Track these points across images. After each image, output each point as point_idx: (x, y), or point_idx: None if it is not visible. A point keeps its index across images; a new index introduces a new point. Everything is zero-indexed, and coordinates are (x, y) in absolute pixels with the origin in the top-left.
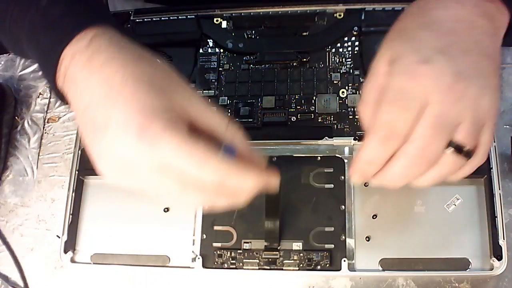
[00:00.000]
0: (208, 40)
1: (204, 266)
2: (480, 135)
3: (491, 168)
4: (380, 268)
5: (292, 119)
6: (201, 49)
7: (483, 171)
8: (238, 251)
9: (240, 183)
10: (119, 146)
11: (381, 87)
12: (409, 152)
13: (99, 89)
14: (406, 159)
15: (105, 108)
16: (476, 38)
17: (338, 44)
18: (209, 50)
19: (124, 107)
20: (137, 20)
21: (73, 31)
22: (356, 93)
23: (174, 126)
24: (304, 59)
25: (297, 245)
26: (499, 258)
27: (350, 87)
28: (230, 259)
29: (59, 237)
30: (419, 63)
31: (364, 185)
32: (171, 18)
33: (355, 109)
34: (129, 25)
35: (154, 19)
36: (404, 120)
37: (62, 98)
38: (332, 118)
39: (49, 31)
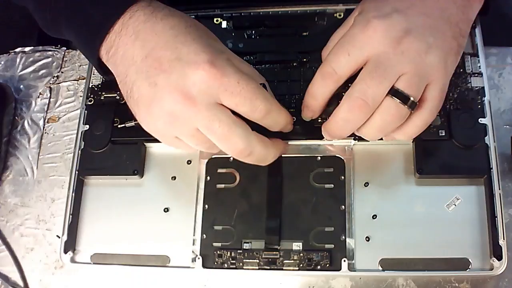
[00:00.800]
0: None
1: (204, 266)
2: (427, 91)
3: (491, 168)
4: (380, 268)
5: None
6: None
7: (483, 171)
8: (238, 251)
9: (277, 118)
10: (188, 79)
11: (342, 35)
12: (352, 94)
13: (168, 32)
14: (349, 101)
15: (175, 46)
16: (442, 6)
17: None
18: None
19: (194, 45)
20: None
21: None
22: None
23: (231, 64)
24: (304, 59)
25: (297, 245)
26: (499, 258)
27: (350, 87)
28: (230, 259)
29: (59, 237)
30: (375, 17)
31: (364, 185)
32: None
33: None
34: None
35: None
36: (345, 62)
37: (102, 67)
38: None
39: (104, 1)
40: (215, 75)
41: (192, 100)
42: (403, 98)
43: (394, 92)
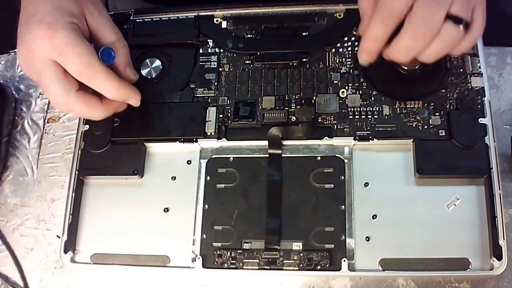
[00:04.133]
0: (208, 40)
1: (204, 266)
2: (474, 13)
3: (491, 168)
4: (380, 268)
5: (292, 119)
6: (201, 49)
7: (483, 171)
8: (238, 251)
9: (103, 87)
10: (32, 35)
11: None
12: (414, 23)
13: None
14: (412, 30)
15: (38, 3)
16: None
17: (338, 44)
18: (209, 50)
19: (47, 6)
20: (137, 20)
21: None
22: (356, 93)
23: (71, 27)
24: (304, 59)
25: (297, 245)
26: (499, 258)
27: (350, 87)
28: (230, 259)
29: (59, 237)
30: None
31: (364, 185)
32: (171, 18)
33: (355, 109)
34: (129, 25)
35: (154, 19)
36: (401, 2)
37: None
38: (332, 118)
39: None
40: (47, 35)
41: (31, 52)
42: (459, 21)
43: (450, 17)
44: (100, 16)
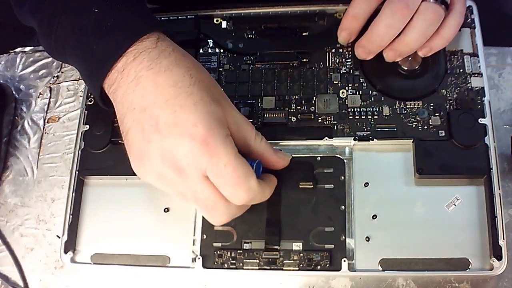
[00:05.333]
0: (208, 40)
1: (204, 266)
2: None
3: (491, 168)
4: (380, 268)
5: (292, 119)
6: (201, 49)
7: (483, 171)
8: (238, 251)
9: (261, 200)
10: (180, 149)
11: None
12: (393, 1)
13: (169, 90)
14: (391, 6)
15: (174, 109)
16: None
17: (338, 44)
18: (209, 50)
19: (193, 113)
20: None
21: (139, 32)
22: (356, 94)
23: (229, 142)
24: (304, 59)
25: (297, 245)
26: (499, 258)
27: (350, 88)
28: (230, 259)
29: (59, 237)
30: None
31: (364, 185)
32: (170, 18)
33: (355, 110)
34: None
35: None
36: None
37: (104, 100)
38: (332, 118)
39: (107, 35)
40: (205, 153)
41: (180, 171)
42: None
43: None
44: (234, 111)
